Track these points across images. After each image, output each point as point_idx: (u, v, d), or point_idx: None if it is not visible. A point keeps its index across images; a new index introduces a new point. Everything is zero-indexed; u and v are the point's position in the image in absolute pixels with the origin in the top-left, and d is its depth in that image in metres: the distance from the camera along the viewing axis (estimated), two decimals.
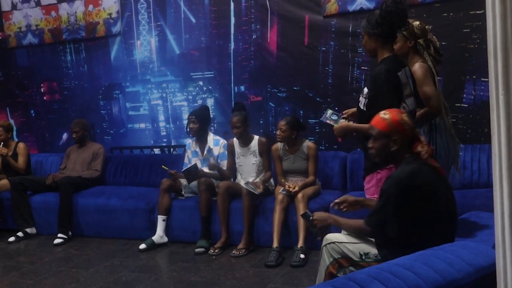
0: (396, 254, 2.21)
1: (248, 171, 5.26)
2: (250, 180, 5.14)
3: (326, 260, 2.93)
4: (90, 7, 6.70)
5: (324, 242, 2.96)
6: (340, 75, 5.53)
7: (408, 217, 2.68)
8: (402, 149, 2.76)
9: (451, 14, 4.95)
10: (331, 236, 2.97)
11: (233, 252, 4.74)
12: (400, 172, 2.70)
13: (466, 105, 5.05)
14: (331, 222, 3.02)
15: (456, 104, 4.95)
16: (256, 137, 5.25)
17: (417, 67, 3.55)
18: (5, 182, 6.11)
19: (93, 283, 4.45)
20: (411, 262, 1.95)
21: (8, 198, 6.06)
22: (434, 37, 3.73)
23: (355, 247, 2.87)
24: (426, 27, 3.69)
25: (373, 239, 2.80)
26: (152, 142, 6.68)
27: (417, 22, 3.67)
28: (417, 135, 2.81)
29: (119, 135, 6.84)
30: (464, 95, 4.94)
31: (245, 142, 5.25)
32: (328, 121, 3.73)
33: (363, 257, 2.78)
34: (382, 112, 2.83)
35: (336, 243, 2.91)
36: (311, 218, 3.12)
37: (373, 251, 2.77)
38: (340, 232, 3.10)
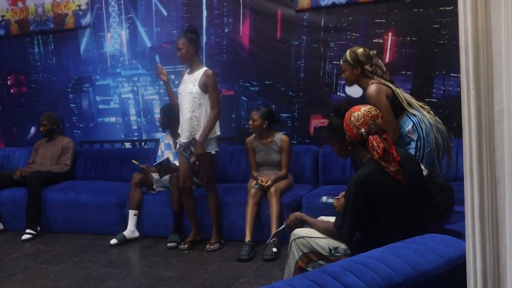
0: (366, 248, 2.25)
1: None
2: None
3: (295, 254, 2.96)
4: None
5: (292, 237, 3.01)
6: (312, 69, 5.56)
7: (370, 214, 2.75)
8: (357, 149, 2.87)
9: (421, 10, 5.04)
10: (300, 231, 3.02)
11: (207, 246, 4.73)
12: (359, 174, 2.76)
13: (436, 100, 5.13)
14: (303, 220, 3.15)
15: (426, 99, 4.96)
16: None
17: (373, 89, 3.65)
18: None
19: (62, 279, 4.43)
20: (383, 255, 1.98)
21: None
22: (379, 60, 3.83)
23: (324, 242, 2.90)
24: (371, 52, 3.75)
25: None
26: (123, 136, 6.66)
27: (361, 50, 3.76)
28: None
29: (89, 129, 6.80)
30: (434, 90, 5.05)
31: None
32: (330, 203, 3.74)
33: (333, 252, 2.82)
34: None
35: (305, 237, 2.95)
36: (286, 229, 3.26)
37: (342, 245, 2.80)
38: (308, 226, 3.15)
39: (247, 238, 4.67)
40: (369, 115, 2.80)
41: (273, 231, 4.58)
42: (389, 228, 2.65)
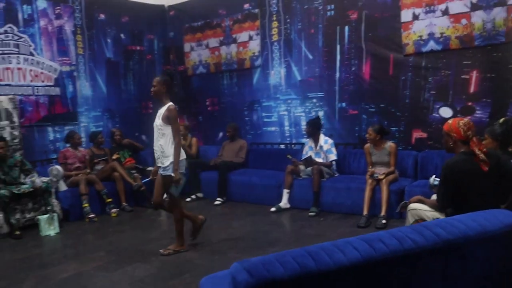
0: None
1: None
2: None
3: (410, 220, 3.18)
4: (241, 48, 7.27)
5: (409, 209, 3.24)
6: (414, 96, 5.70)
7: (457, 192, 2.80)
8: (456, 145, 2.90)
9: (499, 54, 5.08)
10: (415, 205, 3.22)
11: (161, 251, 4.29)
12: (449, 160, 2.86)
13: None
14: (420, 199, 3.27)
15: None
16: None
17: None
18: None
19: (241, 230, 5.04)
20: (463, 217, 2.03)
21: (186, 173, 6.53)
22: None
23: (430, 214, 3.07)
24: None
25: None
26: (279, 140, 7.05)
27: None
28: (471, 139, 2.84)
29: (257, 134, 7.29)
30: (508, 113, 5.00)
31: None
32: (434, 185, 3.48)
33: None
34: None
35: (417, 209, 3.17)
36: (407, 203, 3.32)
37: (442, 217, 2.87)
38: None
39: (365, 212, 5.01)
40: (471, 124, 2.93)
41: (383, 208, 4.93)
42: (472, 205, 2.58)
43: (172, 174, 4.08)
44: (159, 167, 4.23)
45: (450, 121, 2.99)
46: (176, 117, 4.11)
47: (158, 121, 4.15)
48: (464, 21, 5.23)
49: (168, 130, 4.10)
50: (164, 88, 4.19)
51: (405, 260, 1.77)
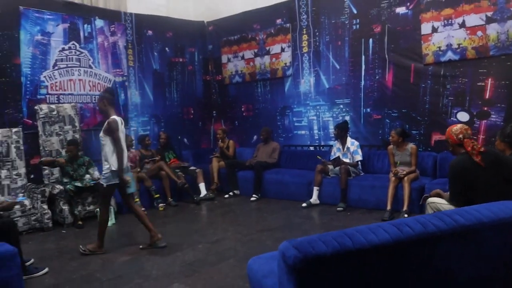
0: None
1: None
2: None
3: (429, 211, 3.23)
4: (274, 59, 7.41)
5: (427, 202, 3.31)
6: (434, 102, 5.75)
7: (464, 187, 2.95)
8: (454, 148, 3.17)
9: None
10: (433, 199, 3.31)
11: (81, 247, 4.39)
12: (452, 161, 3.10)
13: None
14: (438, 193, 3.38)
15: None
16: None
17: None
18: (222, 163, 7.09)
19: (275, 222, 5.20)
20: (477, 207, 2.12)
21: (224, 173, 7.03)
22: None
23: (447, 206, 3.12)
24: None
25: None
26: (309, 142, 7.16)
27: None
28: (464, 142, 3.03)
29: (288, 137, 7.40)
30: None
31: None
32: None
33: None
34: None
35: (435, 203, 3.25)
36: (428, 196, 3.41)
37: None
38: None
39: (388, 207, 5.10)
40: (463, 128, 3.12)
41: (405, 203, 4.97)
42: (480, 196, 2.72)
43: (104, 185, 4.18)
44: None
45: (447, 130, 3.19)
46: (115, 129, 4.10)
47: (101, 134, 4.18)
48: (479, 33, 5.30)
49: (108, 141, 4.13)
50: (103, 104, 4.24)
51: (428, 242, 1.92)
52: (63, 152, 6.08)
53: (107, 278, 3.78)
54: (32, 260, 4.13)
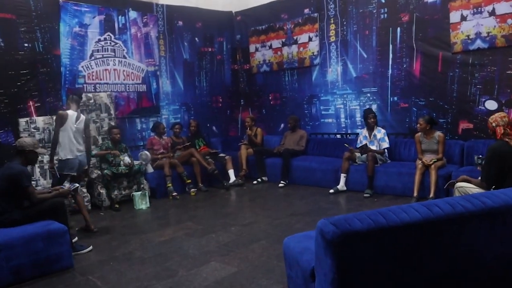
0: None
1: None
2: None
3: (457, 195, 3.36)
4: (301, 48, 7.55)
5: (456, 186, 3.48)
6: (461, 91, 5.80)
7: (499, 171, 3.15)
8: (494, 135, 3.41)
9: None
10: (461, 184, 3.51)
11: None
12: (492, 145, 3.33)
13: None
14: (466, 178, 3.54)
15: None
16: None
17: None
18: (250, 150, 7.27)
19: (303, 208, 5.36)
20: (497, 192, 2.22)
21: (252, 159, 7.21)
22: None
23: (475, 190, 3.26)
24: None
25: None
26: (335, 130, 7.30)
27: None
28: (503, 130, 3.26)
29: (316, 125, 7.55)
30: None
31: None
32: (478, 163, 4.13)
33: None
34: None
35: (464, 187, 3.44)
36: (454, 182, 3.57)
37: None
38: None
39: (415, 193, 5.18)
40: (499, 116, 3.38)
41: (432, 190, 5.00)
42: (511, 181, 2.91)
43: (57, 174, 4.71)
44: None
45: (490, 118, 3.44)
46: (57, 122, 4.68)
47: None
48: (510, 21, 5.28)
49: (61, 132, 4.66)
50: (69, 100, 4.89)
51: (456, 222, 2.05)
52: (100, 139, 6.37)
53: (148, 256, 4.05)
54: (76, 238, 4.43)
